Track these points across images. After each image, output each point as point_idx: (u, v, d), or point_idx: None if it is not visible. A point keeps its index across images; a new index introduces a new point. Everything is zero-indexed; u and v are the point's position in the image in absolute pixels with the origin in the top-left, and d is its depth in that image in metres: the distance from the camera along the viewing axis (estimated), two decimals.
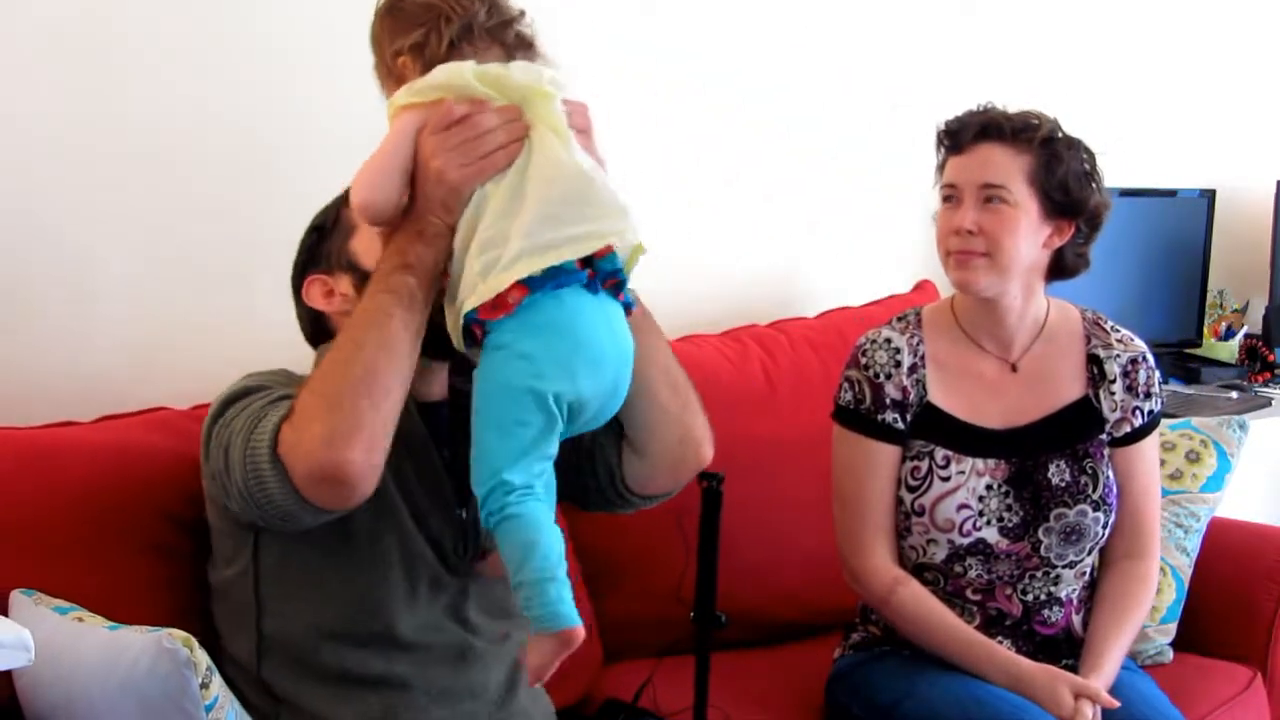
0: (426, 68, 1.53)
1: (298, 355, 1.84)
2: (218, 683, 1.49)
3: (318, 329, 1.80)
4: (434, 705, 1.68)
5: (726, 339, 2.62)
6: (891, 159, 2.98)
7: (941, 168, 2.11)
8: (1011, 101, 2.10)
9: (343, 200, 1.76)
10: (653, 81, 2.68)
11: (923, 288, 2.90)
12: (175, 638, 1.45)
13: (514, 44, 1.56)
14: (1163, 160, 3.46)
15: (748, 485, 2.34)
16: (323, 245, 1.77)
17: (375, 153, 1.54)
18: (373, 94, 2.27)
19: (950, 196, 2.07)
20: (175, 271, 2.14)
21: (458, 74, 1.51)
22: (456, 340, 1.52)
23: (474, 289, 1.47)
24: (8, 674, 1.63)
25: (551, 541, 1.46)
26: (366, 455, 1.47)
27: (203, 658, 1.46)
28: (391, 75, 1.57)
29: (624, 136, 2.62)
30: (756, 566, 2.38)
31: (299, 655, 1.67)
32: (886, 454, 2.08)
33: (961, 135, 2.05)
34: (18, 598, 1.67)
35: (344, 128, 2.11)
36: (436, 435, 1.73)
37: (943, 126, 2.10)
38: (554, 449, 1.50)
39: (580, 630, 1.46)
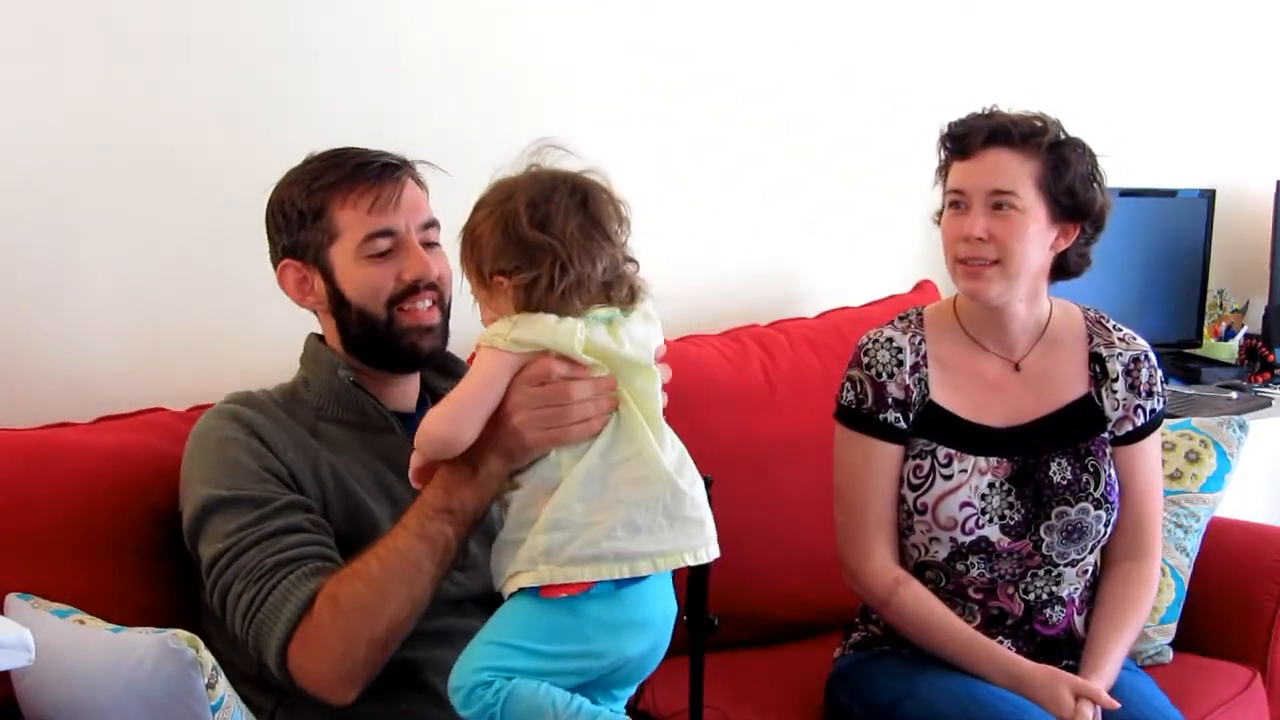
0: (528, 305, 1.49)
1: (295, 357, 1.84)
2: (223, 683, 1.49)
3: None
4: (443, 681, 1.69)
5: (726, 339, 2.62)
6: (891, 159, 2.98)
7: (944, 170, 2.10)
8: (1012, 102, 2.09)
9: (329, 192, 1.73)
10: (653, 81, 2.68)
11: (923, 288, 2.90)
12: (180, 638, 1.45)
13: (624, 298, 1.52)
14: (1163, 160, 3.46)
15: (748, 485, 2.35)
16: (302, 233, 1.76)
17: (465, 390, 1.51)
18: (372, 95, 2.29)
19: (958, 203, 2.06)
20: (174, 272, 2.14)
21: (566, 338, 1.47)
22: (497, 584, 1.53)
23: (533, 565, 1.47)
24: (6, 676, 1.62)
25: (554, 688, 1.46)
26: (360, 690, 1.57)
27: (208, 658, 1.46)
28: (483, 283, 1.52)
29: (624, 136, 2.64)
30: (756, 566, 2.38)
31: None
32: (888, 453, 2.08)
33: (969, 140, 2.04)
34: (14, 601, 1.66)
35: (345, 128, 2.11)
36: None
37: (946, 130, 2.09)
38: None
39: None
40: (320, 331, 1.84)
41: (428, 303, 1.75)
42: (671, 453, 1.51)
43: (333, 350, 1.79)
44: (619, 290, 1.51)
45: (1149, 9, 3.52)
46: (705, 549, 1.53)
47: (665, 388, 1.55)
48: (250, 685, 1.69)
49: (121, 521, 1.79)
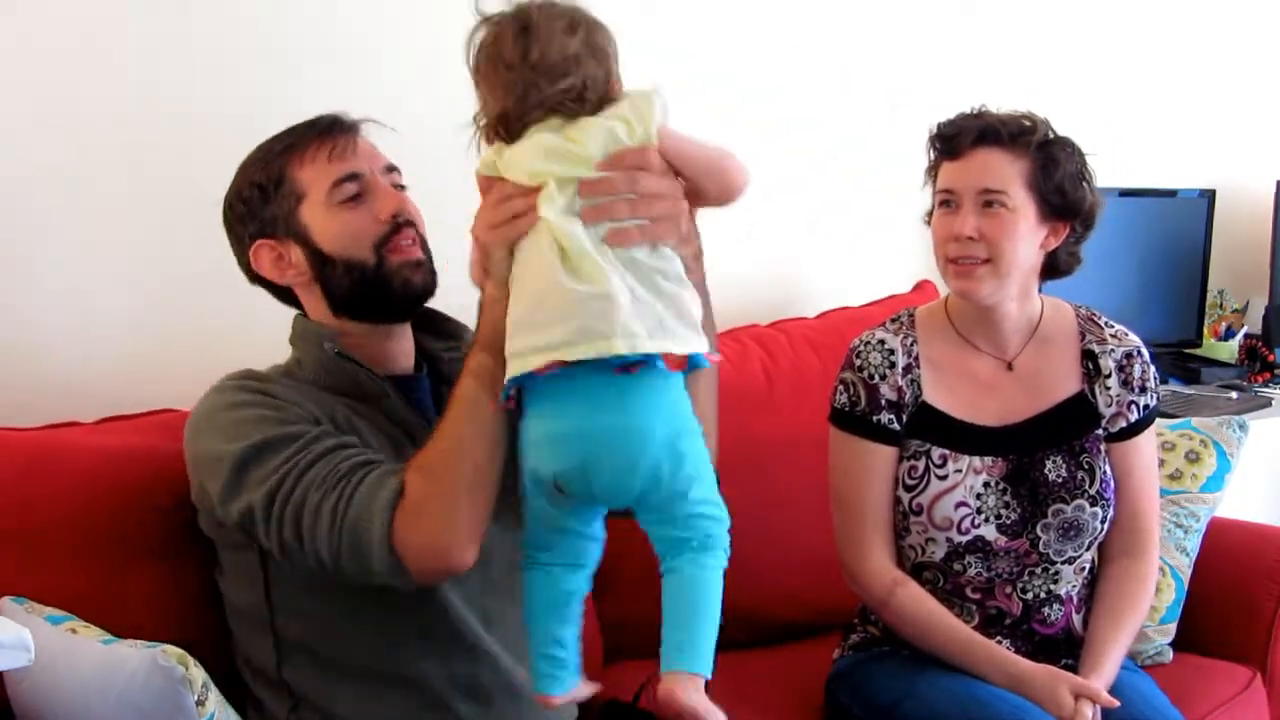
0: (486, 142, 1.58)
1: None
2: (214, 699, 1.47)
3: (281, 290, 1.79)
4: (462, 703, 1.68)
5: (726, 339, 2.61)
6: (891, 159, 2.97)
7: (933, 170, 2.11)
8: (1011, 102, 2.10)
9: (284, 157, 1.72)
10: (653, 81, 2.68)
11: (922, 288, 2.90)
12: (170, 655, 1.44)
13: (582, 109, 1.54)
14: (1163, 160, 3.46)
15: (748, 485, 2.34)
16: (267, 207, 1.72)
17: None
18: (371, 95, 2.28)
19: (948, 202, 2.06)
20: (179, 271, 2.14)
21: (479, 164, 1.57)
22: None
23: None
24: (1, 680, 1.61)
25: (536, 611, 1.54)
26: (476, 548, 1.55)
27: (198, 674, 1.44)
28: None
29: None
30: (756, 566, 2.38)
31: (323, 656, 1.67)
32: (883, 455, 2.08)
33: (958, 140, 2.05)
34: (8, 605, 1.65)
35: None
36: (425, 410, 1.72)
37: (935, 130, 2.09)
38: (568, 523, 1.54)
39: (548, 700, 1.56)
40: (303, 312, 1.80)
41: (410, 240, 1.73)
42: (572, 255, 1.48)
43: (319, 324, 1.75)
44: (569, 106, 1.53)
45: (1148, 9, 3.52)
46: (585, 343, 1.43)
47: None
48: (268, 687, 1.69)
49: (123, 522, 1.78)
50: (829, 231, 3.00)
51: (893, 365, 2.10)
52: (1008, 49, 3.21)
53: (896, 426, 2.08)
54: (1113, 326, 2.17)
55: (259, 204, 1.73)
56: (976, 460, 2.07)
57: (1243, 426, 2.51)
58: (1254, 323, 3.58)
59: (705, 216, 2.77)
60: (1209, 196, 3.45)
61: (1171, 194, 3.43)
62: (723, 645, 1.89)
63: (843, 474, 2.11)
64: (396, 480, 1.55)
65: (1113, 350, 2.13)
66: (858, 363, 2.11)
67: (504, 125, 1.53)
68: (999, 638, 2.08)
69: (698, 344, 1.50)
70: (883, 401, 2.08)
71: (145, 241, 2.11)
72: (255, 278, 1.79)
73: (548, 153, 1.51)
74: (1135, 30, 3.49)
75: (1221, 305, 3.62)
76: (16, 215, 2.00)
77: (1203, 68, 3.61)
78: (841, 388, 2.12)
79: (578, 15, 1.56)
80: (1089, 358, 2.13)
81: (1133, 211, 3.20)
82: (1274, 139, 3.73)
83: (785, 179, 2.91)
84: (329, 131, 1.73)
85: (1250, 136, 3.70)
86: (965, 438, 2.09)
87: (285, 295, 1.79)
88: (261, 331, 2.05)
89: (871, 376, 2.09)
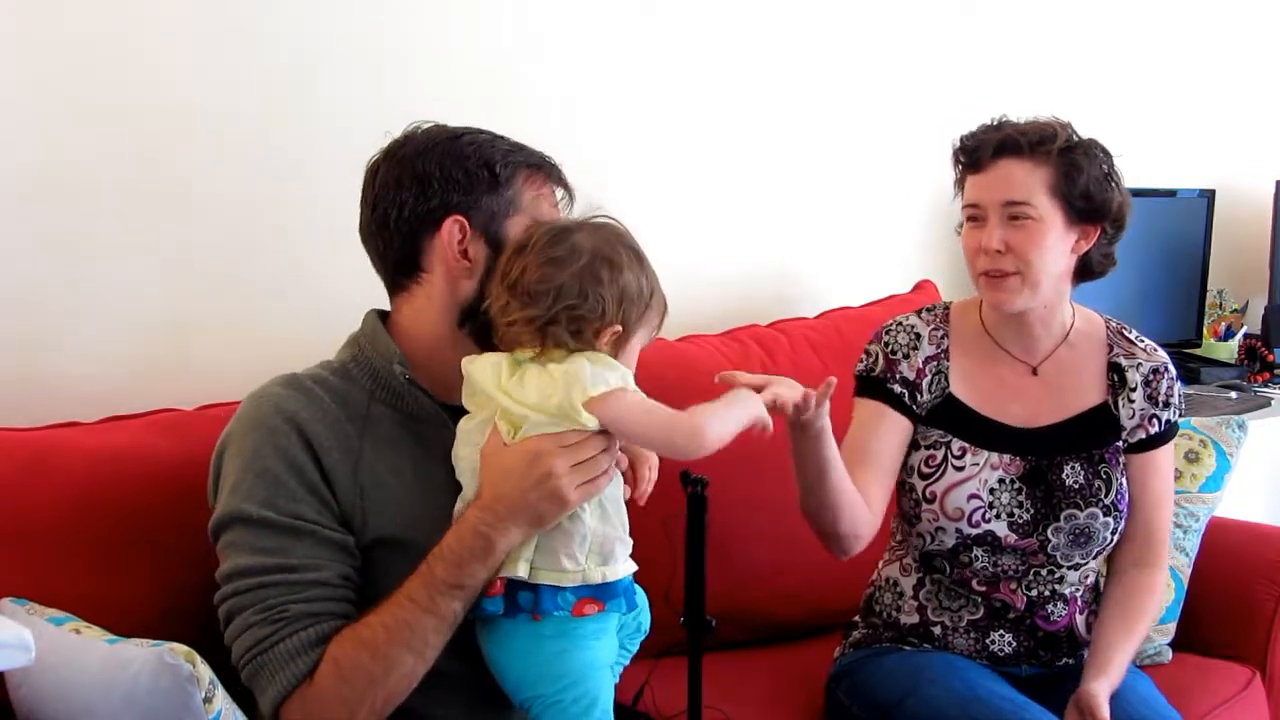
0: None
1: (304, 355, 1.83)
2: (221, 696, 1.46)
3: (405, 260, 1.68)
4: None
5: (726, 339, 2.62)
6: (892, 159, 2.98)
7: (960, 183, 2.11)
8: (1011, 102, 2.10)
9: (519, 166, 1.69)
10: (653, 81, 2.69)
11: (923, 287, 2.90)
12: (177, 653, 1.42)
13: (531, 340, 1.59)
14: (1163, 160, 3.46)
15: (748, 485, 2.34)
16: (485, 196, 1.66)
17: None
18: (369, 95, 2.29)
19: (974, 216, 2.07)
20: (180, 271, 2.14)
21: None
22: None
23: None
24: (1, 682, 1.61)
25: None
26: None
27: (205, 672, 1.43)
28: None
29: (625, 137, 2.64)
30: (757, 566, 2.39)
31: None
32: (893, 418, 2.08)
33: (979, 153, 2.05)
34: (9, 606, 1.64)
35: (348, 128, 2.11)
36: None
37: (958, 144, 2.10)
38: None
39: None
40: (384, 308, 1.75)
41: None
42: None
43: (390, 340, 1.69)
44: (528, 335, 1.60)
45: (1149, 10, 3.52)
46: None
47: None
48: None
49: (129, 523, 1.77)
50: (829, 231, 3.00)
51: (916, 349, 2.11)
52: (1008, 50, 3.21)
53: (907, 401, 2.09)
54: (1143, 341, 2.17)
55: (483, 187, 1.67)
56: (995, 456, 2.08)
57: (1242, 426, 2.52)
58: (1253, 323, 3.59)
59: (706, 215, 2.79)
60: (1209, 196, 3.45)
61: (1171, 194, 3.43)
62: (723, 645, 1.90)
63: (858, 427, 2.10)
64: (318, 654, 1.55)
65: (1140, 364, 2.14)
66: (885, 339, 2.14)
67: (481, 320, 1.62)
68: (1002, 631, 2.10)
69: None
70: (899, 375, 2.09)
71: (147, 242, 2.11)
72: (404, 237, 1.68)
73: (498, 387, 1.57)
74: (1135, 31, 3.49)
75: (1221, 305, 3.62)
76: (18, 216, 2.00)
77: (1203, 68, 3.62)
78: (864, 356, 2.15)
79: (586, 246, 1.57)
80: (1115, 370, 2.13)
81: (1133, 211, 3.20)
82: (1274, 139, 3.74)
83: (786, 179, 2.91)
84: (555, 178, 1.73)
85: (1250, 136, 3.71)
86: (986, 433, 2.09)
87: (403, 270, 1.69)
88: (264, 332, 2.05)
89: (894, 352, 2.11)
